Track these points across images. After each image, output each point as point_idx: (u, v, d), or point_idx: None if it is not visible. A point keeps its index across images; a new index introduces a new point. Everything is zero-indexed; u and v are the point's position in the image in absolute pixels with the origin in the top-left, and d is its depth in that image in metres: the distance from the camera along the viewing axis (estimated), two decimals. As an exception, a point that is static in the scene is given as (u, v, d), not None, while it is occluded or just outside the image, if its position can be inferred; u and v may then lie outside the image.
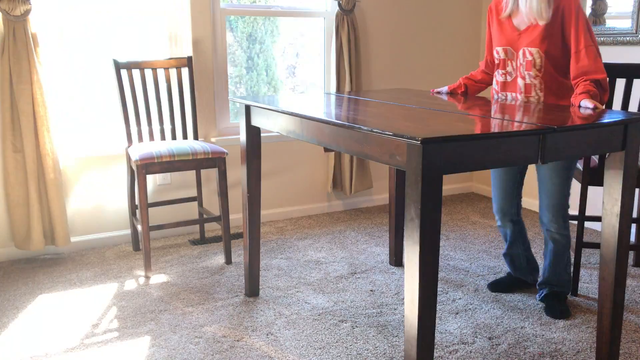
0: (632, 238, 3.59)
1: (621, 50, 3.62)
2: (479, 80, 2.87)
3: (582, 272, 3.12)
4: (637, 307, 2.77)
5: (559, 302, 2.72)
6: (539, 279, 2.82)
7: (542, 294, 2.78)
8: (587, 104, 2.25)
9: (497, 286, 2.95)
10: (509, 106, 2.39)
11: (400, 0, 4.32)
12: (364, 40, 4.20)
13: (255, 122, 2.60)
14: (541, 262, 3.01)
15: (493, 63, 2.72)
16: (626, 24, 3.58)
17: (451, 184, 4.81)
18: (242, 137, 2.71)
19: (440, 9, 4.50)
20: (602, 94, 2.38)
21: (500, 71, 2.63)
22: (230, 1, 3.88)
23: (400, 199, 3.17)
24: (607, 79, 2.39)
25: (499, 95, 2.66)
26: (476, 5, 4.63)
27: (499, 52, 2.60)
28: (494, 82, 2.69)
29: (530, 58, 2.48)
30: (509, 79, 2.60)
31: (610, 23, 3.73)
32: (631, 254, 3.40)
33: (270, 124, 2.46)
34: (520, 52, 2.51)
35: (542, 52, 2.46)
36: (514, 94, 2.59)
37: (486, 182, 4.78)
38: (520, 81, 2.55)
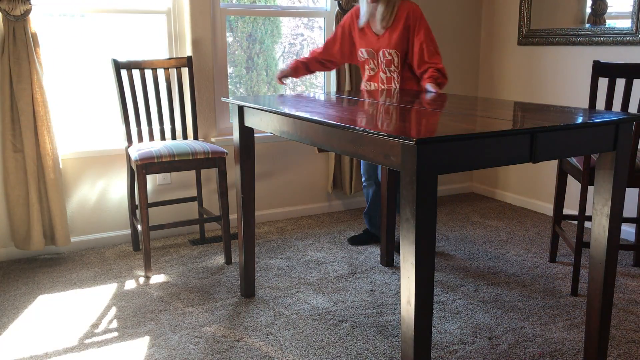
0: (632, 238, 3.59)
1: (621, 50, 3.62)
2: (312, 69, 3.42)
3: (582, 272, 3.12)
4: (637, 307, 2.77)
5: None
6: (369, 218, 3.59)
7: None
8: (430, 88, 2.96)
9: (355, 240, 3.62)
10: (496, 103, 2.40)
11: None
12: (364, 40, 4.19)
13: (248, 122, 2.59)
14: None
15: (331, 62, 3.39)
16: (626, 24, 3.58)
17: (451, 184, 4.81)
18: (235, 137, 2.70)
19: (440, 9, 4.50)
20: (444, 80, 3.07)
21: (366, 66, 3.29)
22: (230, 1, 3.88)
23: (392, 199, 3.18)
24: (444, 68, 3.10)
25: (366, 84, 3.34)
26: (476, 6, 4.63)
27: (363, 53, 3.26)
28: (365, 74, 3.31)
29: (389, 57, 3.17)
30: (372, 73, 3.27)
31: (610, 23, 3.73)
32: (631, 254, 3.41)
33: (263, 124, 2.45)
34: (381, 53, 3.19)
35: (398, 52, 3.15)
36: (375, 84, 3.27)
37: (486, 182, 4.78)
38: (382, 75, 3.23)
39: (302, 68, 3.36)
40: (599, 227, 2.08)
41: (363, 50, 3.26)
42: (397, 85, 3.21)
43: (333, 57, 3.36)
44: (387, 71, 3.21)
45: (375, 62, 3.24)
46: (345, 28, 3.32)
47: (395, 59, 3.16)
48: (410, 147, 1.60)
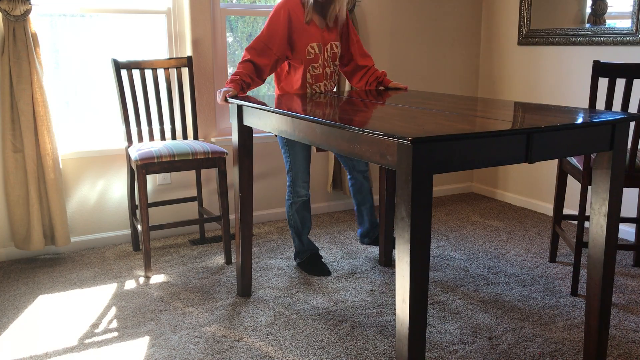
0: (632, 238, 3.59)
1: (621, 50, 3.62)
2: (251, 86, 2.84)
3: (582, 272, 3.12)
4: (637, 307, 2.77)
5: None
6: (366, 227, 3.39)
7: (375, 237, 3.38)
8: (397, 85, 3.11)
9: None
10: (494, 103, 2.40)
11: (400, 0, 4.32)
12: (364, 40, 4.20)
13: (247, 122, 2.61)
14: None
15: (268, 67, 2.84)
16: (626, 24, 3.58)
17: (451, 184, 4.81)
18: (234, 137, 2.71)
19: (440, 9, 4.50)
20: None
21: (314, 65, 2.96)
22: (230, 1, 3.88)
23: (390, 200, 3.18)
24: None
25: (313, 87, 2.99)
26: (476, 6, 4.63)
27: (314, 48, 2.92)
28: (308, 75, 2.95)
29: (336, 50, 3.02)
30: (317, 72, 2.98)
31: (610, 23, 3.73)
32: (631, 254, 3.41)
33: (262, 123, 2.47)
34: (328, 46, 2.98)
35: (340, 45, 3.04)
36: (320, 84, 3.00)
37: (486, 182, 4.78)
38: (327, 70, 3.02)
39: (246, 87, 2.82)
40: (597, 226, 2.08)
41: (314, 45, 2.91)
42: (335, 80, 3.09)
43: (269, 60, 2.84)
44: (332, 65, 3.03)
45: (322, 57, 2.96)
46: (284, 24, 2.84)
47: (338, 53, 3.03)
48: (405, 147, 1.61)
